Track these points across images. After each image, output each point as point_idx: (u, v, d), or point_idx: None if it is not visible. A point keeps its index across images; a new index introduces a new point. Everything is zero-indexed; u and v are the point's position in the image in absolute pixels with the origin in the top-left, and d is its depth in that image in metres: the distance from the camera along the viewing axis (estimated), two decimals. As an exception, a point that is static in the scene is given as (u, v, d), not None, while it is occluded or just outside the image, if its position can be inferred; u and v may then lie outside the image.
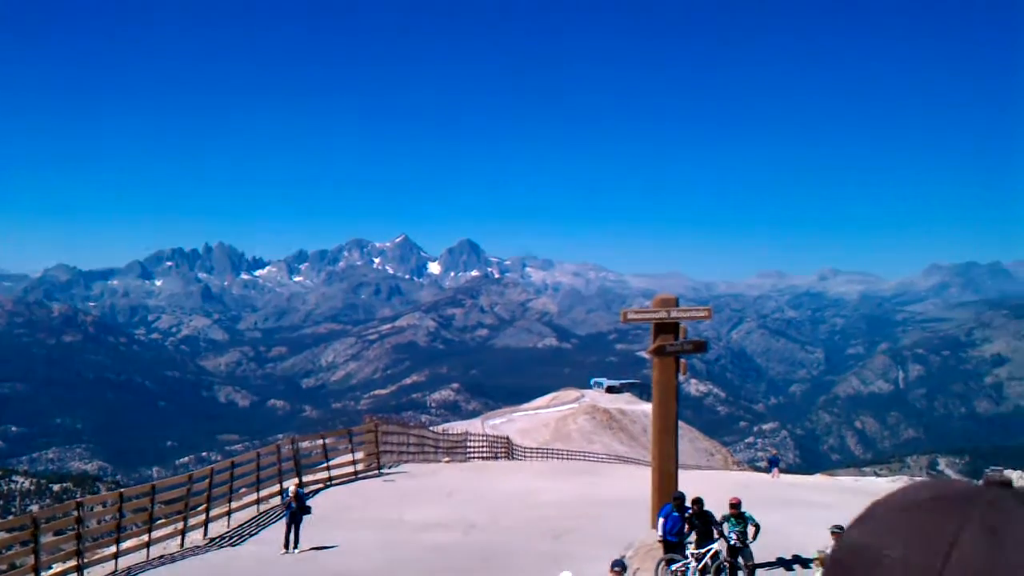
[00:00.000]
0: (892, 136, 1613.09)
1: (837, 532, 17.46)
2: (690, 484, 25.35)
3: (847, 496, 38.36)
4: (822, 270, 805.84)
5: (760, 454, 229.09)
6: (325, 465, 35.94)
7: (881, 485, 48.65)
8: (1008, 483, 1.28)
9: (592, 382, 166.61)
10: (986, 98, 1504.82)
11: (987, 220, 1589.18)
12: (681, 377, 21.14)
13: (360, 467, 37.52)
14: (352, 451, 37.84)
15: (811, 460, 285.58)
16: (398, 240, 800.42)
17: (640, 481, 28.94)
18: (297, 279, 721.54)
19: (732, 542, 18.52)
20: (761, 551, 19.54)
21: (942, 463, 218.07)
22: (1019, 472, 59.01)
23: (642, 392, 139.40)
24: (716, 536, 18.65)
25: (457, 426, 78.74)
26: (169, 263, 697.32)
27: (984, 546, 1.27)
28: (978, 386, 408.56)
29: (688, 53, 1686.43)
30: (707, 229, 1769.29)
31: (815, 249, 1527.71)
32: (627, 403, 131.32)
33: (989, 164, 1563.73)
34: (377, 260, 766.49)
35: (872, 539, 1.32)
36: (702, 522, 18.82)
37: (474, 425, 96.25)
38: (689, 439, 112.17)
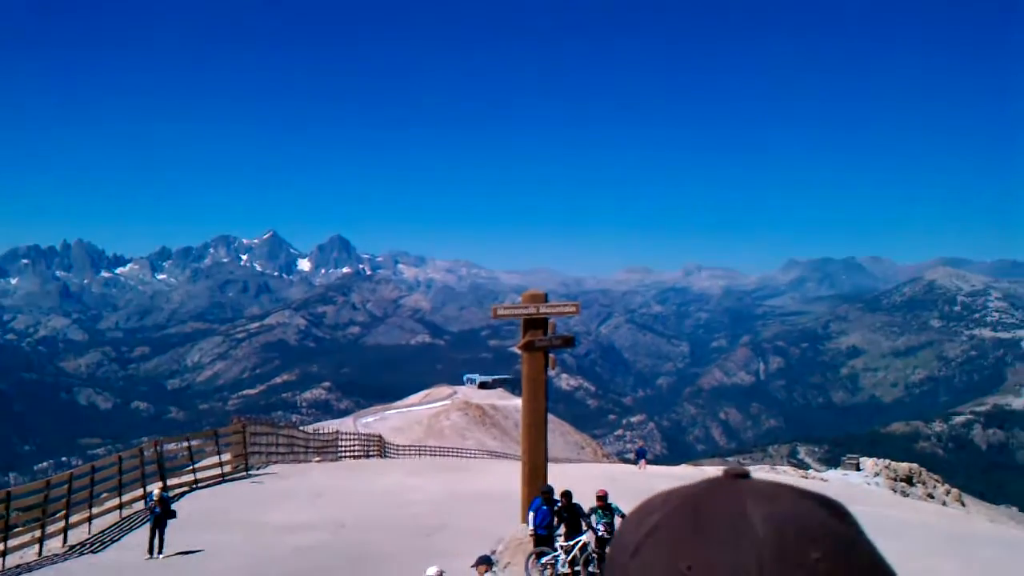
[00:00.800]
0: (749, 135, 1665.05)
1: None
2: (560, 477, 25.72)
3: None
4: (687, 265, 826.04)
5: (629, 446, 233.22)
6: (191, 468, 35.05)
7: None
8: (744, 474, 1.35)
9: (465, 378, 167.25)
10: (836, 97, 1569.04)
11: (841, 217, 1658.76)
12: (550, 372, 21.42)
13: (227, 469, 36.74)
14: (219, 453, 37.03)
15: (677, 451, 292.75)
16: (266, 236, 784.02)
17: (511, 476, 29.18)
18: (161, 277, 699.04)
19: (600, 533, 18.81)
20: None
21: (802, 452, 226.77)
22: (873, 459, 61.79)
23: (514, 387, 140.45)
24: (584, 528, 18.91)
25: (329, 425, 77.79)
26: (25, 261, 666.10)
27: (684, 522, 1.34)
28: (835, 377, 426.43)
29: (547, 50, 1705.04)
30: (576, 226, 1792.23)
31: (680, 245, 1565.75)
32: (500, 399, 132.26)
33: (841, 163, 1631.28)
34: (245, 257, 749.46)
35: (627, 517, 1.44)
36: (570, 515, 19.07)
37: (346, 424, 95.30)
38: (560, 433, 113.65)
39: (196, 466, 35.53)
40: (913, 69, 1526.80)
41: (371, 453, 61.15)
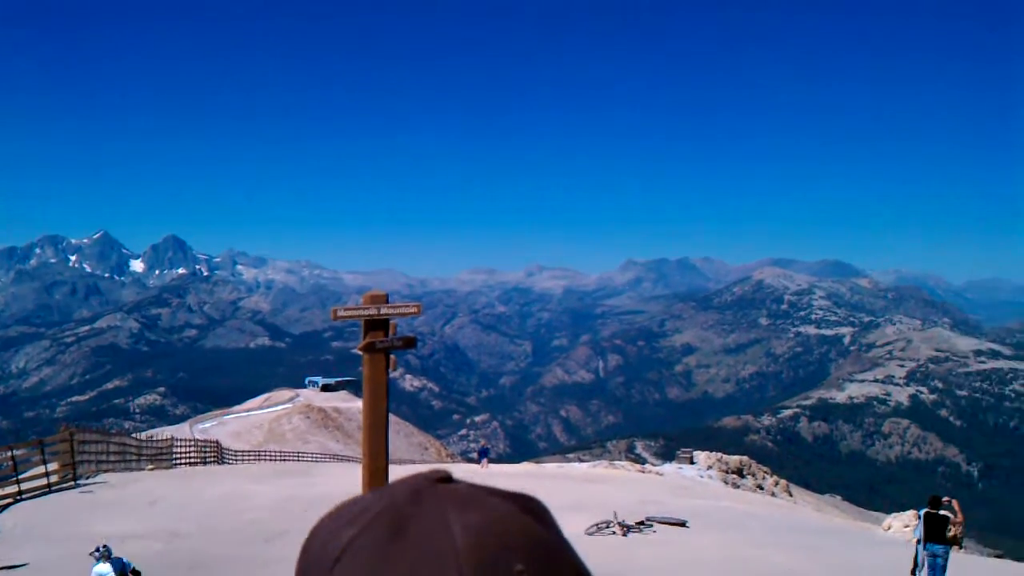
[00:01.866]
0: (588, 137, 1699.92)
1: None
2: (402, 479, 25.62)
3: (547, 481, 40.23)
4: (529, 266, 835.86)
5: (472, 446, 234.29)
6: (14, 479, 33.31)
7: (582, 469, 51.40)
8: (446, 478, 1.29)
9: (307, 381, 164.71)
10: (667, 102, 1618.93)
11: (676, 218, 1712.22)
12: (392, 373, 21.32)
13: (54, 479, 35.07)
14: (45, 463, 35.31)
15: (520, 449, 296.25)
16: (96, 236, 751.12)
17: (354, 479, 28.95)
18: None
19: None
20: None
21: (639, 446, 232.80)
22: (706, 452, 64.01)
23: (357, 390, 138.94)
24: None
25: (164, 432, 75.20)
26: None
27: (383, 540, 1.27)
28: (670, 373, 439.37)
29: (380, 46, 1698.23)
30: (421, 227, 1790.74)
31: (523, 246, 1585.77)
32: (343, 401, 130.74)
33: (675, 166, 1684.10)
34: (73, 258, 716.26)
35: (319, 525, 1.33)
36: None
37: (182, 430, 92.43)
38: (404, 434, 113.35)
39: (20, 477, 33.79)
40: (743, 75, 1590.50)
41: (208, 460, 59.48)
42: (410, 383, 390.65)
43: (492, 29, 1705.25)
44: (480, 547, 1.30)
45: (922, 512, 19.43)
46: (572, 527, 24.56)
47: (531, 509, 1.26)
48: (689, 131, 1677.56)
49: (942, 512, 19.05)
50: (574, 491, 34.33)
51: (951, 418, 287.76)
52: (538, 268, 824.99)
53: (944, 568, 18.87)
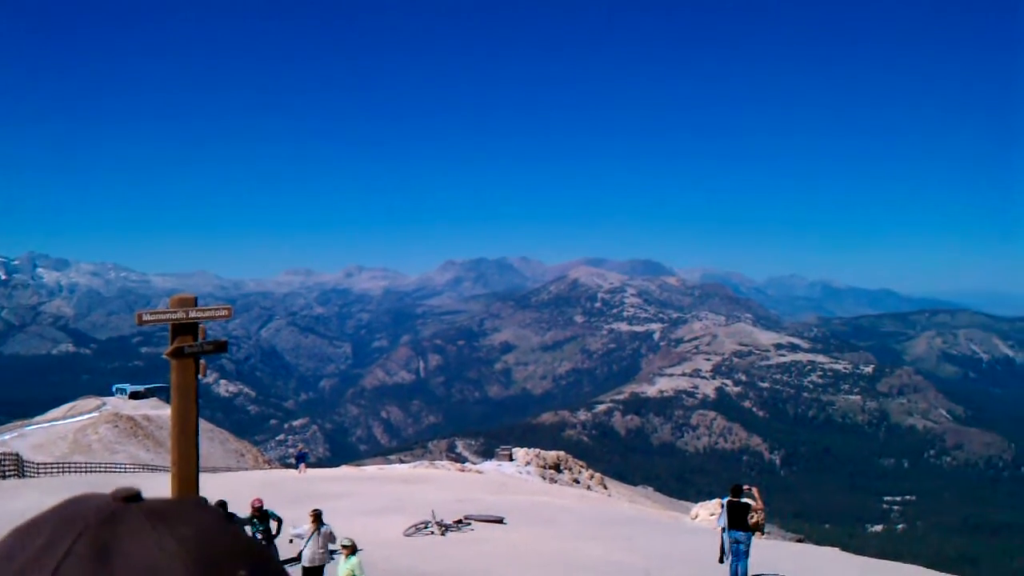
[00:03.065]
0: (401, 137, 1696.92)
1: (314, 513, 18.19)
2: (217, 487, 24.95)
3: (366, 484, 39.95)
4: (348, 267, 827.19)
5: (291, 451, 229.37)
6: None
7: (402, 470, 51.26)
8: (135, 496, 1.23)
9: (115, 388, 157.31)
10: (480, 106, 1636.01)
11: (495, 218, 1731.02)
12: (202, 378, 20.72)
13: None
14: None
15: (340, 452, 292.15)
16: None
17: (162, 488, 27.92)
18: None
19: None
20: (289, 547, 19.81)
21: (460, 445, 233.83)
22: (525, 449, 64.96)
23: (169, 396, 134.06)
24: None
25: (-47, 446, 70.34)
26: None
27: (90, 564, 1.18)
28: (490, 372, 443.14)
29: (183, 35, 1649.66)
30: (235, 227, 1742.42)
31: (341, 246, 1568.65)
32: (153, 409, 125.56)
33: (491, 166, 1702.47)
34: None
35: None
36: (226, 524, 18.55)
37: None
38: (219, 441, 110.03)
39: None
40: (551, 73, 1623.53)
41: (7, 473, 56.05)
42: (225, 388, 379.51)
43: (271, 30, 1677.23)
44: (202, 557, 1.27)
45: (725, 500, 20.34)
46: (391, 529, 24.49)
47: (224, 513, 1.77)
48: (505, 130, 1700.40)
49: (743, 500, 19.98)
50: (394, 492, 34.24)
51: (754, 409, 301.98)
52: (357, 268, 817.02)
53: (747, 553, 19.79)
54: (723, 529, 20.10)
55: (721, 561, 20.23)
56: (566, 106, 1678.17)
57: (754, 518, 20.13)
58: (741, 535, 19.76)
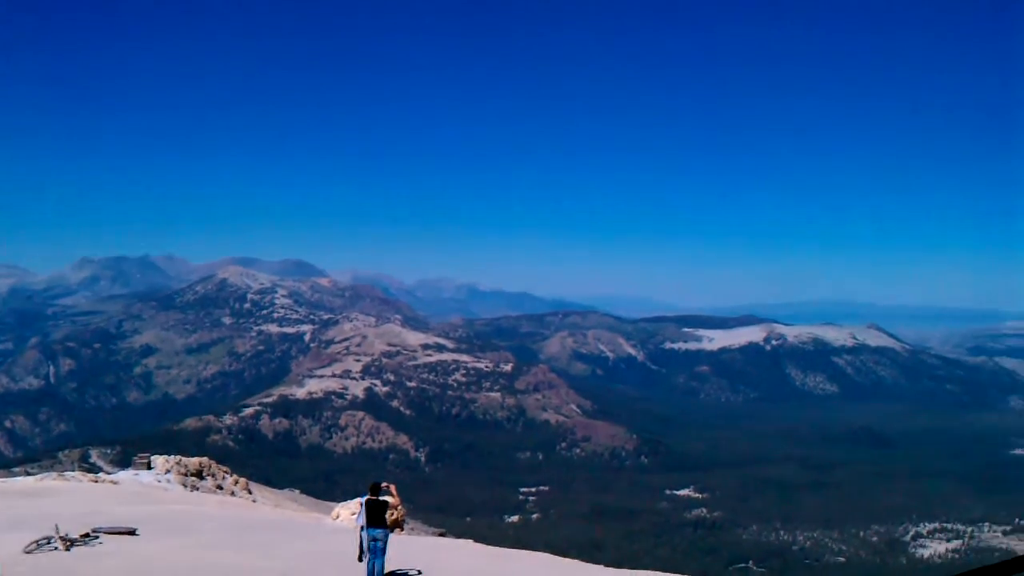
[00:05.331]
0: (25, 130, 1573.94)
1: None
2: None
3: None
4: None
5: None
6: None
7: (26, 483, 47.68)
8: None
9: None
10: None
11: (137, 215, 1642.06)
12: None
13: None
14: None
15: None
16: None
17: None
18: None
19: None
20: None
21: (94, 455, 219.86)
22: (164, 456, 62.38)
23: None
24: None
25: None
26: None
27: None
28: (128, 376, 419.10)
29: None
30: None
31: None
32: None
33: (125, 162, 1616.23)
34: None
35: None
36: None
37: None
38: None
39: None
40: (180, 78, 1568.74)
41: None
42: None
43: None
44: None
45: (363, 499, 20.95)
46: (8, 546, 22.91)
47: None
48: (144, 124, 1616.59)
49: (382, 498, 20.70)
50: (13, 507, 31.88)
51: (402, 408, 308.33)
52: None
53: (383, 551, 20.54)
54: (362, 527, 20.69)
55: (360, 559, 20.80)
56: (213, 101, 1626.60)
57: (393, 515, 20.93)
58: (379, 532, 20.48)
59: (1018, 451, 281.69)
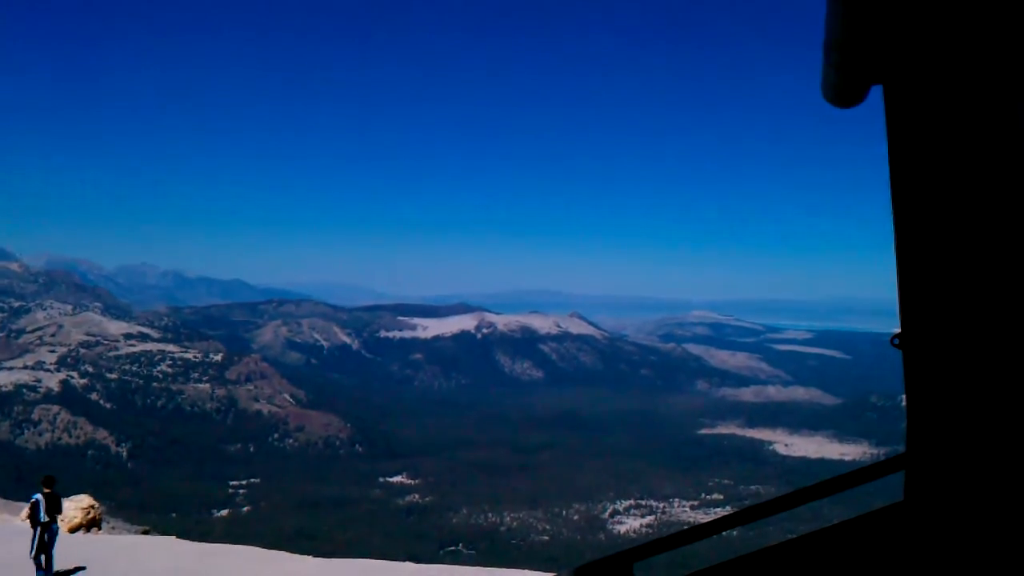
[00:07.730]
0: None
1: None
2: None
3: None
4: None
5: None
6: None
7: None
8: None
9: None
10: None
11: None
12: None
13: None
14: None
15: None
16: None
17: None
18: None
19: None
20: None
21: None
22: None
23: None
24: None
25: None
26: None
27: None
28: None
29: None
30: None
31: None
32: None
33: None
34: None
35: None
36: None
37: None
38: None
39: None
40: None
41: None
42: None
43: None
44: None
45: (39, 495, 21.53)
46: None
47: None
48: None
49: (53, 491, 21.40)
50: None
51: (102, 401, 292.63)
52: None
53: (53, 544, 21.21)
54: (45, 523, 21.24)
55: (35, 556, 21.33)
56: None
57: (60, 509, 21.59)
58: (56, 527, 21.17)
59: (704, 431, 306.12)
